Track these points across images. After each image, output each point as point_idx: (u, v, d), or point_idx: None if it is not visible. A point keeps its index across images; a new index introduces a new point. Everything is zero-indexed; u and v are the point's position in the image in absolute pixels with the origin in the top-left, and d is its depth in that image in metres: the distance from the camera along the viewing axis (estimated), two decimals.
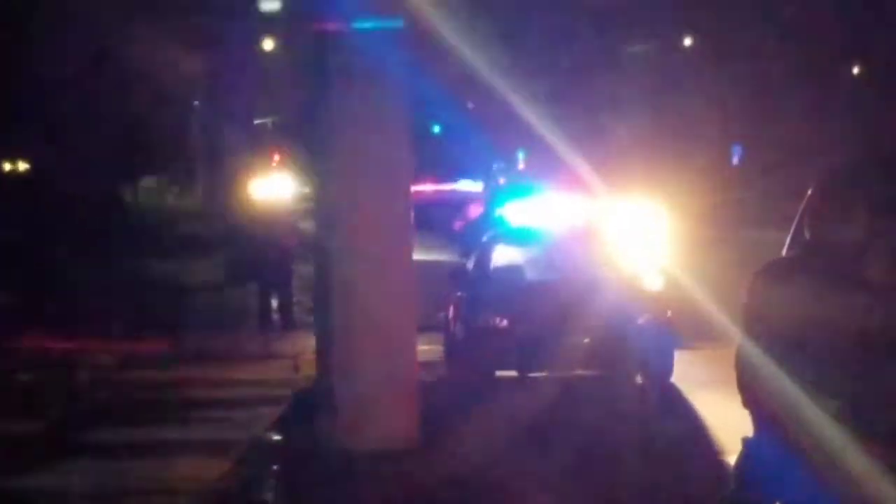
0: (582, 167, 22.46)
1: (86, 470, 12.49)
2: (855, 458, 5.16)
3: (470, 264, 18.32)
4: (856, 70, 54.80)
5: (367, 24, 11.73)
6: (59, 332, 20.45)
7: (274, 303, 21.68)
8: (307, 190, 20.43)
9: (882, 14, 43.89)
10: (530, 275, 17.28)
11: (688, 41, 57.85)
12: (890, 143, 36.28)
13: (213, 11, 25.17)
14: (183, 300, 25.42)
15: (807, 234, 6.83)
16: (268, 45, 29.88)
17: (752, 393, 5.70)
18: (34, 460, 12.83)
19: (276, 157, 26.28)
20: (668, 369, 15.92)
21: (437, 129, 29.98)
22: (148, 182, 32.70)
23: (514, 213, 20.05)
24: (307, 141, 18.20)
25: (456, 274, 18.10)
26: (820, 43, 50.47)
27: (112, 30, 24.26)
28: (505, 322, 16.44)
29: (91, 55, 24.47)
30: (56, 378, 17.42)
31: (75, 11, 22.74)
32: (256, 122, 30.14)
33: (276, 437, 14.24)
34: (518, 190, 21.80)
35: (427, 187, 24.85)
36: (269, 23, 27.48)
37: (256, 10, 28.70)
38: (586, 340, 15.77)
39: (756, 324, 5.99)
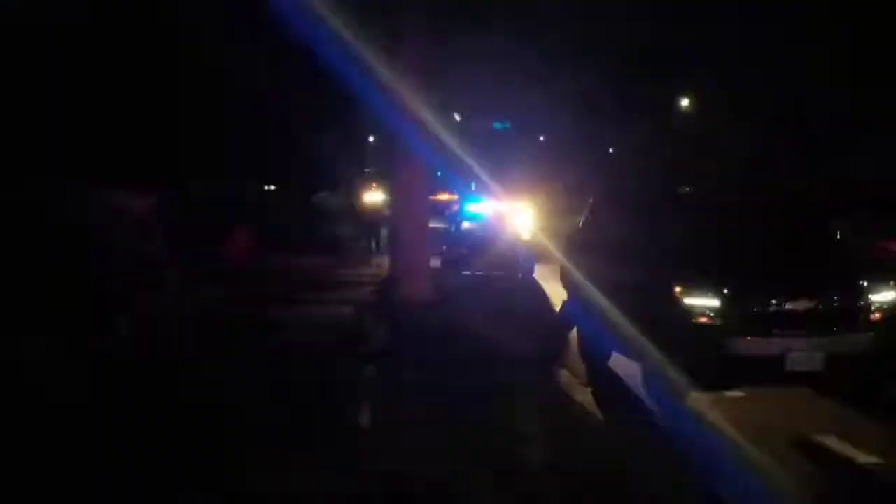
0: (499, 189, 27.98)
1: (301, 310, 17.91)
2: (607, 308, 11.06)
3: (451, 229, 27.84)
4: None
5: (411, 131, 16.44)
6: (291, 253, 28.42)
7: (373, 243, 32.89)
8: (387, 198, 26.89)
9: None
10: (476, 233, 26.32)
11: None
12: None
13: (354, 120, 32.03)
14: (339, 243, 31.93)
15: (593, 218, 14.57)
16: (371, 138, 40.78)
17: (565, 281, 14.41)
18: (278, 304, 18.07)
19: (374, 185, 37.44)
20: (532, 271, 24.02)
21: (439, 173, 38.38)
22: (324, 193, 44.65)
23: (470, 207, 28.58)
24: (388, 178, 23.04)
25: (446, 232, 27.71)
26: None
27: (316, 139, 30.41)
28: (465, 251, 25.48)
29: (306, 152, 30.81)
30: (289, 271, 25.00)
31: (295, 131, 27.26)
32: (366, 169, 39.01)
33: (372, 297, 19.26)
34: (472, 199, 29.11)
35: (435, 197, 30.51)
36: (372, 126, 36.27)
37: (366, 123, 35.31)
38: (498, 260, 24.42)
39: (567, 254, 14.59)
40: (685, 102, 54.81)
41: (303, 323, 16.48)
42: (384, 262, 23.86)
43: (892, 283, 10.37)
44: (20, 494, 7.26)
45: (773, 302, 10.03)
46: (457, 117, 49.77)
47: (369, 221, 34.11)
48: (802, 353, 9.81)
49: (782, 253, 11.12)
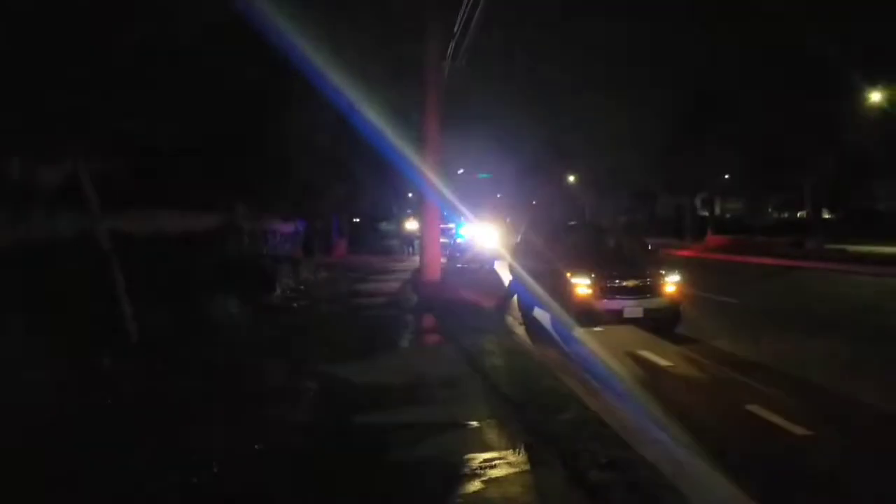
0: (476, 222, 27.10)
1: (369, 283, 18.01)
2: (533, 284, 11.55)
3: (451, 242, 27.05)
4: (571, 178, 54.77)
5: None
6: (364, 255, 29.80)
7: (409, 249, 31.65)
8: (418, 225, 23.62)
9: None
10: (464, 245, 25.93)
11: None
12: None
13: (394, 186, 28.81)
14: (389, 249, 33.32)
15: (525, 237, 18.27)
16: (410, 194, 35.82)
17: (511, 271, 14.25)
18: (359, 281, 18.36)
19: (411, 218, 34.13)
20: (493, 265, 21.91)
21: (445, 213, 38.28)
22: (384, 222, 44.00)
23: (461, 231, 28.61)
24: (419, 214, 20.28)
25: (449, 244, 26.42)
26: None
27: (382, 194, 28.76)
28: (458, 254, 25.06)
29: (367, 200, 28.61)
30: (364, 264, 24.78)
31: (368, 187, 24.87)
32: (408, 210, 37.01)
33: (410, 277, 19.08)
34: (462, 226, 28.97)
35: (444, 225, 26.86)
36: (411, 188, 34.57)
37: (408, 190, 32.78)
38: (475, 259, 23.77)
39: (511, 256, 15.95)
40: (571, 178, 54.57)
41: (371, 290, 16.58)
42: (416, 259, 23.35)
43: (676, 271, 10.71)
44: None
45: (616, 281, 10.41)
46: (460, 171, 49.75)
47: (408, 238, 33.82)
48: (632, 308, 10.16)
49: (621, 255, 11.69)
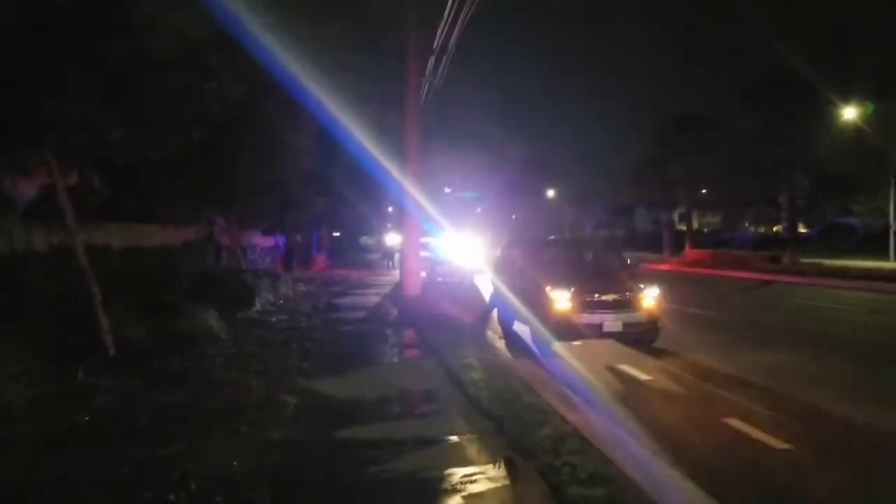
0: (457, 236, 28.12)
1: (349, 298, 17.67)
2: (512, 299, 11.33)
3: (432, 256, 26.00)
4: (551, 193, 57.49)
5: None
6: (345, 269, 29.22)
7: (390, 263, 31.30)
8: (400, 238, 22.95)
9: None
10: (444, 258, 25.48)
11: None
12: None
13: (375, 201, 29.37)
14: (369, 263, 33.14)
15: (506, 251, 17.32)
16: (390, 209, 35.94)
17: (491, 286, 13.69)
18: (338, 296, 18.10)
19: (391, 232, 35.34)
20: (472, 279, 21.93)
21: (426, 228, 38.61)
22: (366, 237, 44.53)
23: (441, 245, 27.85)
24: (399, 229, 21.70)
25: (429, 259, 25.17)
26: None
27: (360, 207, 27.07)
28: (439, 268, 24.40)
29: (353, 210, 27.35)
30: (343, 279, 24.21)
31: (348, 200, 24.32)
32: (388, 224, 37.59)
33: (390, 291, 19.32)
34: (442, 240, 28.15)
35: (424, 240, 28.85)
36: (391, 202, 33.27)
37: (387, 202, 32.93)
38: (455, 272, 23.71)
39: (491, 270, 15.55)
40: (551, 192, 54.84)
41: (351, 304, 16.39)
42: (396, 273, 23.34)
43: (655, 285, 10.71)
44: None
45: (595, 296, 10.21)
46: (447, 190, 50.07)
47: (388, 252, 33.73)
48: (611, 322, 10.02)
49: (600, 270, 11.64)
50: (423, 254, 21.63)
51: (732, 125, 34.93)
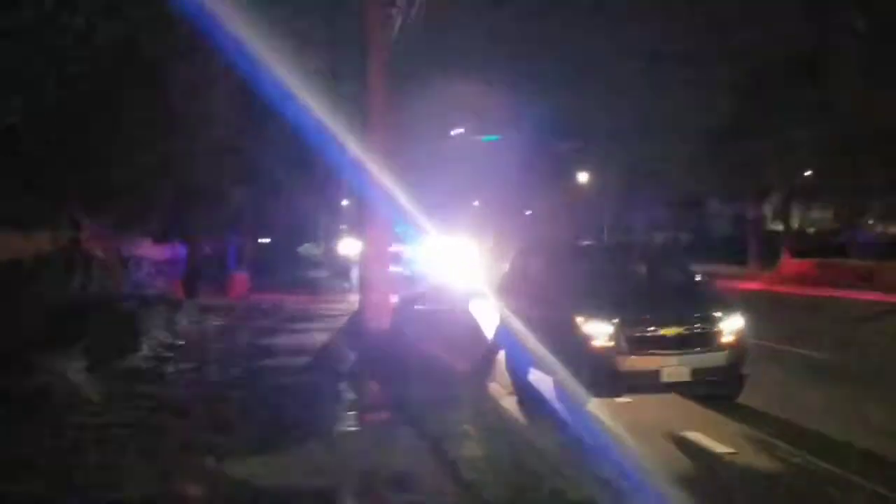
0: (445, 240, 27.61)
1: (285, 337, 18.06)
2: (526, 335, 11.43)
3: (407, 273, 27.78)
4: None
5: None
6: (276, 293, 29.27)
7: (345, 284, 31.89)
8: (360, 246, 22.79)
9: None
10: (425, 276, 26.49)
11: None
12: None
13: (328, 189, 32.56)
14: (315, 283, 33.76)
15: (517, 265, 14.50)
16: (344, 202, 40.66)
17: (497, 317, 13.93)
18: (268, 334, 18.45)
19: (346, 238, 37.32)
20: (468, 306, 21.99)
21: (398, 230, 38.59)
22: (306, 244, 45.81)
23: (421, 255, 29.16)
24: (360, 231, 20.14)
25: (402, 276, 26.88)
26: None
27: (298, 196, 28.79)
28: (416, 292, 24.99)
29: (289, 205, 29.57)
30: (276, 307, 24.90)
31: (286, 190, 26.36)
32: (341, 226, 40.33)
33: (346, 325, 19.48)
34: (422, 248, 29.56)
35: (394, 248, 27.32)
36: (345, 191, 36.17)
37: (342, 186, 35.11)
38: (444, 297, 23.72)
39: (497, 293, 14.37)
40: (584, 176, 55.58)
41: (287, 345, 16.56)
42: (354, 298, 23.41)
43: (738, 313, 10.64)
44: None
45: (651, 329, 10.16)
46: (456, 132, 50.02)
47: (343, 266, 34.41)
48: (673, 368, 9.99)
49: (657, 290, 11.72)
50: (395, 269, 22.05)
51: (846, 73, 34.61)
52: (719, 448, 8.58)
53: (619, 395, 10.32)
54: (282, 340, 17.57)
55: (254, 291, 30.42)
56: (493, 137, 53.25)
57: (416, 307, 23.50)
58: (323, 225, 39.51)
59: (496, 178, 55.94)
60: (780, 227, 47.26)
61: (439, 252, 27.72)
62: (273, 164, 21.32)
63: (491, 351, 13.81)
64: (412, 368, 12.77)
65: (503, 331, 13.27)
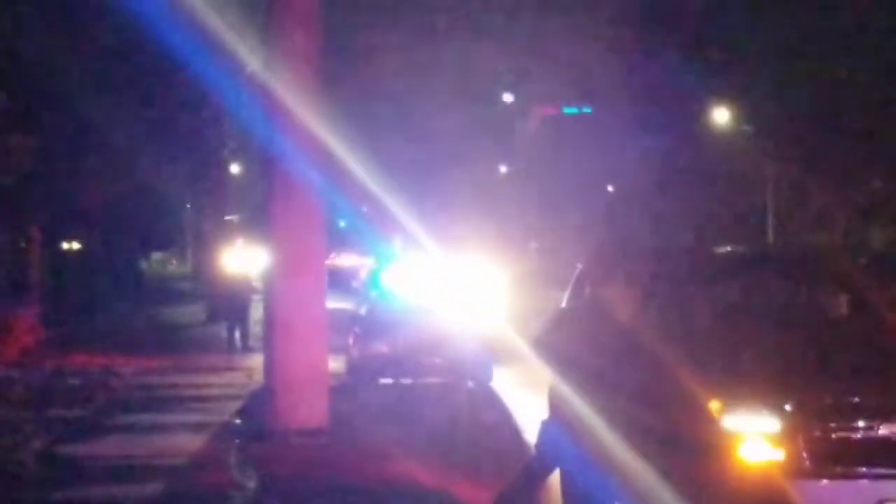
0: (435, 248, 29.34)
1: (114, 442, 17.43)
2: (606, 437, 9.88)
3: (363, 310, 25.26)
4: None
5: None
6: (99, 351, 28.15)
7: (237, 334, 30.13)
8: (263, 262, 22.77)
9: None
10: (401, 317, 23.74)
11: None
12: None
13: (200, 147, 32.87)
14: (177, 332, 33.66)
15: (579, 298, 13.49)
16: (234, 168, 40.42)
17: (550, 402, 11.40)
18: (81, 435, 17.84)
19: (240, 241, 35.38)
20: (489, 377, 22.46)
21: (342, 223, 38.60)
22: (156, 256, 44.64)
23: (390, 276, 26.71)
24: (261, 229, 20.56)
25: (354, 317, 24.66)
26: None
27: (138, 159, 29.00)
28: (384, 349, 22.75)
29: (121, 176, 29.38)
30: (97, 381, 23.36)
31: (112, 144, 26.52)
32: (227, 217, 38.59)
33: (237, 421, 18.73)
34: (392, 261, 28.31)
35: (337, 260, 30.88)
36: (235, 152, 37.60)
37: (227, 143, 37.59)
38: (437, 360, 22.38)
39: (550, 354, 11.39)
40: (720, 116, 50.75)
41: (113, 460, 15.81)
42: (255, 364, 22.54)
43: None
44: None
45: (861, 424, 8.73)
46: (506, 99, 52.09)
47: (230, 299, 31.45)
48: None
49: (869, 345, 10.16)
50: (336, 303, 21.68)
51: None
52: None
53: None
54: (108, 448, 16.54)
55: (51, 347, 28.15)
56: (579, 110, 57.56)
57: (380, 381, 22.15)
58: (191, 216, 38.01)
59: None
60: None
61: (431, 269, 26.60)
62: (90, 94, 19.69)
63: (534, 471, 11.92)
64: None
65: (557, 430, 11.39)
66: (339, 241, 28.20)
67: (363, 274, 29.80)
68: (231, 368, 26.19)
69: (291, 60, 15.72)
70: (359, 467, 14.07)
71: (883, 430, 8.64)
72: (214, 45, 14.70)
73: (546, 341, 12.09)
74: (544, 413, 12.19)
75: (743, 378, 9.02)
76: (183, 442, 16.85)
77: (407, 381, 22.54)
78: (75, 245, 35.73)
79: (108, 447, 16.80)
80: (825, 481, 8.56)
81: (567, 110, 58.37)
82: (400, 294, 26.18)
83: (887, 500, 8.43)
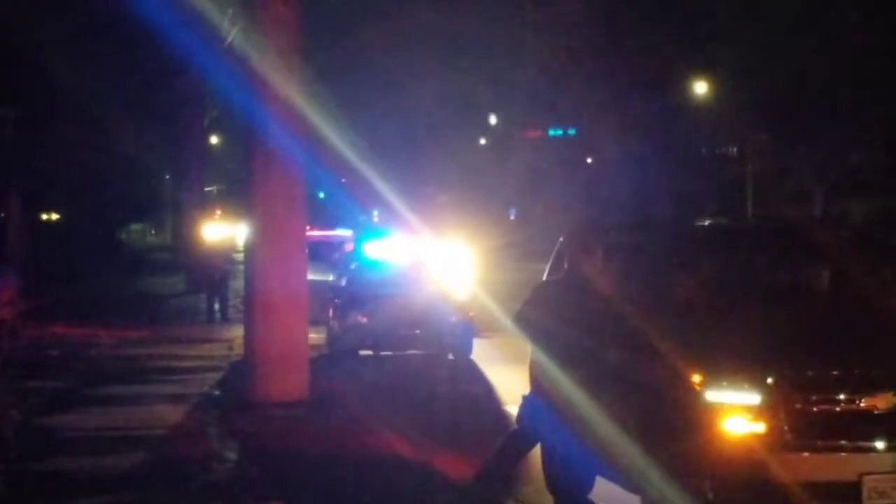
0: (414, 219, 29.96)
1: (94, 414, 17.13)
2: (587, 411, 9.97)
3: (342, 282, 25.29)
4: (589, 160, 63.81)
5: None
6: (77, 323, 28.09)
7: (216, 305, 30.35)
8: (243, 233, 24.86)
9: None
10: (380, 289, 23.46)
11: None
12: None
13: (180, 117, 32.73)
14: (156, 303, 33.79)
15: (560, 269, 12.35)
16: (214, 139, 40.34)
17: (531, 372, 11.43)
18: (60, 407, 17.33)
19: (218, 212, 35.23)
20: (469, 350, 22.44)
21: (322, 195, 36.85)
22: (135, 226, 44.53)
23: (370, 248, 26.47)
24: (241, 202, 22.02)
25: (334, 288, 24.99)
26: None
27: (118, 129, 29.00)
28: (364, 319, 22.65)
29: (100, 146, 29.44)
30: (75, 353, 23.35)
31: (91, 114, 26.63)
32: (206, 188, 37.33)
33: (217, 393, 18.80)
34: (373, 234, 28.22)
35: (316, 232, 30.57)
36: (214, 123, 37.81)
37: (207, 113, 37.52)
38: (417, 332, 22.41)
39: (530, 327, 11.24)
40: (700, 88, 51.32)
41: (99, 429, 15.58)
42: (235, 335, 23.10)
43: None
44: None
45: (843, 397, 8.68)
46: (492, 121, 52.42)
47: (209, 271, 31.56)
48: (887, 477, 8.47)
49: (856, 320, 10.04)
50: (317, 275, 21.46)
51: None
52: None
53: None
54: (88, 420, 16.25)
55: (29, 318, 26.02)
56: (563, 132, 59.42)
57: (360, 352, 22.24)
58: (170, 186, 38.09)
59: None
60: None
61: (410, 242, 26.55)
62: (69, 64, 19.78)
63: (515, 443, 11.90)
64: (355, 484, 11.68)
65: (539, 403, 11.34)
66: (319, 212, 28.05)
67: (346, 246, 29.86)
68: (211, 340, 26.07)
69: (272, 30, 15.61)
70: (339, 439, 14.03)
71: (864, 404, 8.63)
72: (194, 14, 14.53)
73: (526, 314, 11.83)
74: (525, 386, 12.18)
75: (724, 351, 8.97)
76: (163, 413, 16.77)
77: (387, 352, 22.65)
78: (54, 216, 35.24)
79: (87, 418, 16.52)
80: (806, 454, 8.51)
81: None
82: (380, 265, 26.05)
83: (868, 473, 8.37)
